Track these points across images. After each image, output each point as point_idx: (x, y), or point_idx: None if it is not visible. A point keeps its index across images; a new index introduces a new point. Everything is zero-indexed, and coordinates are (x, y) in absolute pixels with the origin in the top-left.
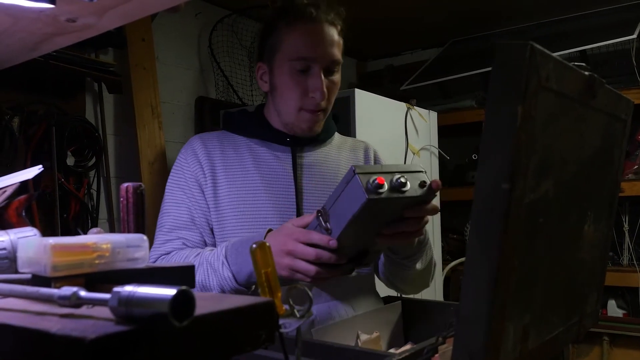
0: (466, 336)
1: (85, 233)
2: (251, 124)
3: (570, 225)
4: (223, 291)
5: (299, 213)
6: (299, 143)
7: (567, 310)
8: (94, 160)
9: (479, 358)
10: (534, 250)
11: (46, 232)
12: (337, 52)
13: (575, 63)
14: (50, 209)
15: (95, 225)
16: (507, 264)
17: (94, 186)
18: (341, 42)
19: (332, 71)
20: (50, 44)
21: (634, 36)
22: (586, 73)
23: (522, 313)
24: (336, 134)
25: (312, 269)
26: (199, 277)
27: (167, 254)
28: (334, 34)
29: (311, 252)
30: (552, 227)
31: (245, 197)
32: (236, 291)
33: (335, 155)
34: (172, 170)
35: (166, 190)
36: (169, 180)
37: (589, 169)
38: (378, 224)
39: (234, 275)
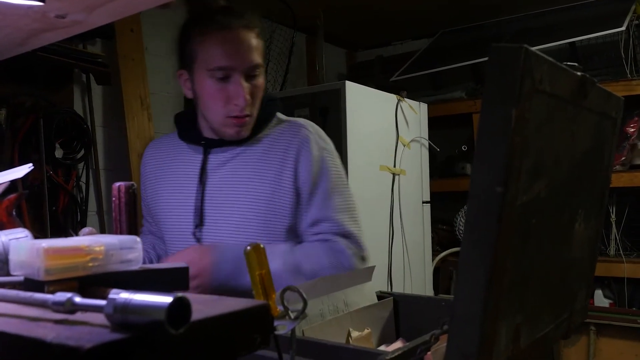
0: (460, 336)
1: (75, 226)
2: (180, 126)
3: (561, 224)
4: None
5: (197, 213)
6: (212, 144)
7: (557, 307)
8: (82, 152)
9: (472, 358)
10: (526, 251)
11: (35, 225)
12: (256, 56)
13: (568, 63)
14: (39, 202)
15: (84, 217)
16: (500, 265)
17: (83, 179)
18: (260, 44)
19: (253, 75)
20: (39, 39)
21: (623, 28)
22: (578, 74)
23: (515, 313)
24: (275, 120)
25: None
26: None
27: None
28: (250, 38)
29: None
30: (545, 227)
31: (159, 199)
32: None
33: (255, 148)
34: None
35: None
36: None
37: (580, 168)
38: None
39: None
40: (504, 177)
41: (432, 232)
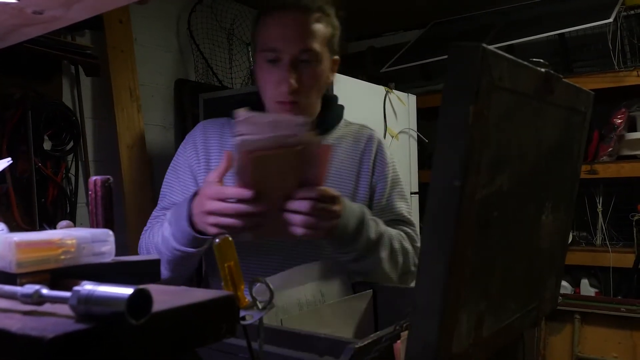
0: (421, 326)
1: (64, 218)
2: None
3: (527, 216)
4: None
5: None
6: None
7: (525, 296)
8: (71, 144)
9: (432, 347)
10: (489, 242)
11: (24, 217)
12: (310, 41)
13: (534, 59)
14: (28, 194)
15: (74, 209)
16: (460, 257)
17: (72, 170)
18: (322, 28)
19: (307, 61)
20: (18, 34)
21: (611, 20)
22: (542, 70)
23: (478, 301)
24: (343, 122)
25: (236, 222)
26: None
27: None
28: (308, 21)
29: (229, 207)
30: (508, 219)
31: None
32: (181, 254)
33: (333, 147)
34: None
35: (167, 171)
36: (171, 162)
37: (547, 162)
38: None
39: (173, 236)
40: (461, 171)
41: (421, 222)
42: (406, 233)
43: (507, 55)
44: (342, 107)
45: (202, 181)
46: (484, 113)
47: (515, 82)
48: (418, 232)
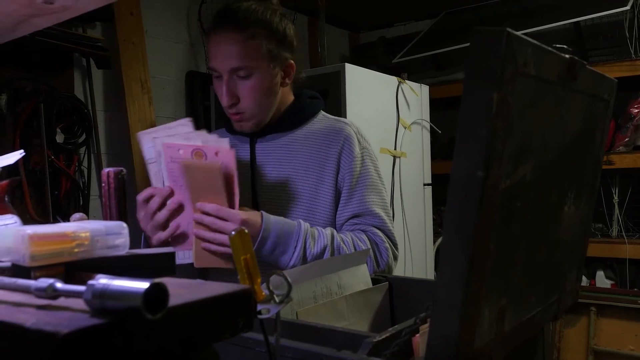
0: (442, 320)
1: (78, 211)
2: (224, 117)
3: (550, 206)
4: None
5: (254, 198)
6: (255, 134)
7: (546, 289)
8: (83, 137)
9: (453, 342)
10: (511, 234)
11: (38, 210)
12: (239, 59)
13: (556, 45)
14: (41, 186)
15: (87, 202)
16: (482, 249)
17: (85, 163)
18: (257, 44)
19: (244, 76)
20: (29, 25)
21: (628, 7)
22: (567, 56)
23: (499, 295)
24: (320, 117)
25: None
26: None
27: None
28: (235, 40)
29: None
30: (531, 210)
31: None
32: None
33: (300, 141)
34: None
35: None
36: None
37: (570, 151)
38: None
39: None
40: (484, 161)
41: (433, 214)
42: (368, 233)
43: (532, 40)
44: (317, 103)
45: None
46: (508, 100)
47: (539, 68)
48: (389, 226)
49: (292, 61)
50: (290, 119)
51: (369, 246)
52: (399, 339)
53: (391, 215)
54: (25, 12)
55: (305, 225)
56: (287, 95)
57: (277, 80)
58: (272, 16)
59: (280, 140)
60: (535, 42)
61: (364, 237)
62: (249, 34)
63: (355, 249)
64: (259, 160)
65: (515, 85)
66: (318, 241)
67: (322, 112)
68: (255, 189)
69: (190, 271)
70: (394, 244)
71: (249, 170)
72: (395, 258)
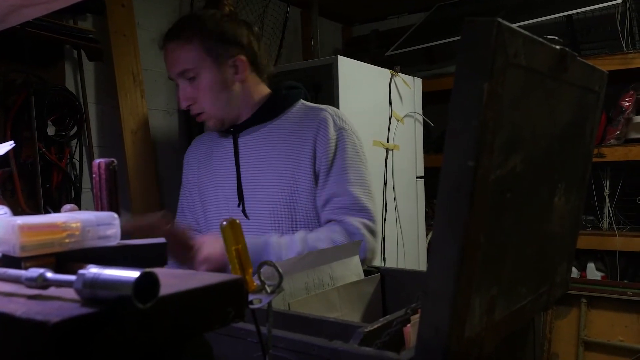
0: (432, 311)
1: (69, 203)
2: None
3: (540, 198)
4: None
5: (239, 191)
6: (237, 128)
7: (536, 280)
8: (75, 129)
9: (444, 332)
10: (501, 225)
11: (29, 202)
12: (181, 64)
13: (547, 37)
14: (32, 179)
15: (79, 195)
16: (473, 240)
17: (77, 156)
18: (194, 48)
19: (191, 78)
20: (19, 15)
21: (619, 1)
22: (557, 47)
23: (490, 286)
24: (299, 105)
25: None
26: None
27: None
28: (176, 48)
29: None
30: (521, 201)
31: (207, 187)
32: None
33: (279, 130)
34: None
35: None
36: None
37: (560, 142)
38: None
39: None
40: (475, 151)
41: (426, 207)
42: (342, 224)
43: (523, 31)
44: (295, 93)
45: (200, 186)
46: (498, 91)
47: (530, 59)
48: (365, 204)
49: (242, 56)
50: (267, 110)
51: (345, 238)
52: (390, 329)
53: (372, 191)
54: (15, 2)
55: (273, 239)
56: (255, 88)
57: (227, 76)
58: (210, 18)
59: (260, 132)
60: (526, 32)
61: (338, 228)
62: (185, 38)
63: (333, 244)
64: (241, 153)
65: (506, 76)
66: (289, 250)
67: (302, 101)
68: (240, 181)
69: None
70: (371, 219)
71: (234, 164)
72: (374, 233)
